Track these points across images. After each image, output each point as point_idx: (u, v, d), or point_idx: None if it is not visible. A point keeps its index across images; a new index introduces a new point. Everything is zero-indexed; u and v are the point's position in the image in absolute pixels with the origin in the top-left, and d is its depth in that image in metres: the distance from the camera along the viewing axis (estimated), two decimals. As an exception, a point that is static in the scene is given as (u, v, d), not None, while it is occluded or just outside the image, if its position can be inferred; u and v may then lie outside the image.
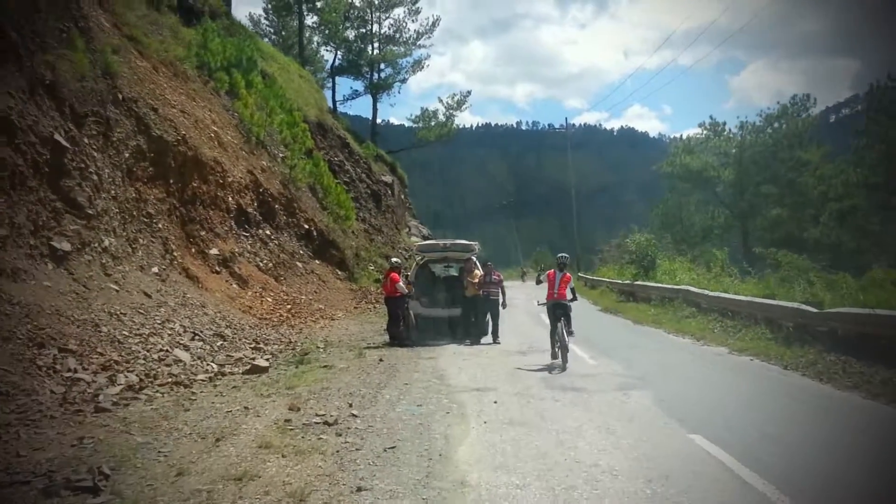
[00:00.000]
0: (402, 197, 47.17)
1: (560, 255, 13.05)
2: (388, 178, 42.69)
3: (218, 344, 12.13)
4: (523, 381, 10.02)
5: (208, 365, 10.75)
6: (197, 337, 11.98)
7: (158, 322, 11.73)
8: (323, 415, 7.40)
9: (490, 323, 15.46)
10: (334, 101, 51.69)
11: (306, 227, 24.41)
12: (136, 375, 9.41)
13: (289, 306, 18.36)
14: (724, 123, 44.26)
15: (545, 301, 12.43)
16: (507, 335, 15.82)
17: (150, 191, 15.82)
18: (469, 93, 54.23)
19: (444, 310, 16.34)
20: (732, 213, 43.63)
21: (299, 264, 22.68)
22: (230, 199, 19.66)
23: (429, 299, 16.56)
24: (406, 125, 59.53)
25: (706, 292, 18.21)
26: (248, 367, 10.54)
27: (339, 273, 25.65)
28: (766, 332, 13.53)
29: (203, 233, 17.76)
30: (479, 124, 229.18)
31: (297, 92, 33.83)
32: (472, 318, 15.47)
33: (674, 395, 8.87)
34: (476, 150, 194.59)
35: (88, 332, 10.05)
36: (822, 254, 32.10)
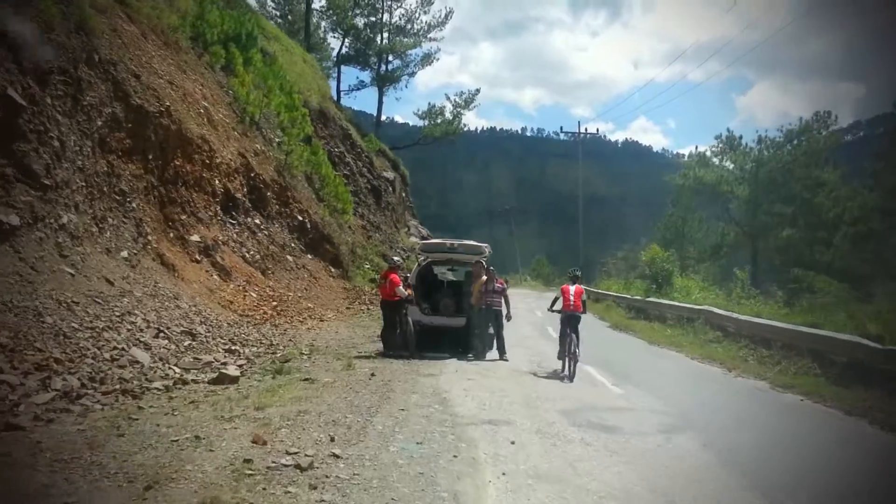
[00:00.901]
0: (404, 195, 45.51)
1: (572, 269, 14.07)
2: (389, 175, 41.02)
3: (186, 343, 10.44)
4: (542, 414, 8.37)
5: (170, 369, 9.08)
6: (162, 334, 10.28)
7: (117, 314, 10.04)
8: (295, 453, 5.71)
9: (494, 337, 13.77)
10: (338, 91, 50.01)
11: (300, 218, 22.70)
12: (79, 379, 7.78)
13: (274, 303, 16.65)
14: (741, 137, 42.55)
15: (559, 310, 12.69)
16: (513, 350, 14.19)
17: (125, 165, 14.14)
18: (478, 91, 52.99)
19: (448, 319, 14.52)
20: (743, 230, 41.89)
21: (290, 258, 20.98)
22: (217, 181, 17.95)
23: (430, 306, 14.86)
24: (411, 123, 58.08)
25: (734, 315, 16.53)
26: (216, 374, 8.88)
27: (333, 270, 23.94)
28: (812, 366, 11.89)
29: (184, 217, 16.06)
30: (484, 128, 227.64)
31: (299, 76, 32.14)
32: (476, 331, 13.76)
33: (730, 443, 7.27)
34: (479, 153, 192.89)
35: (28, 322, 8.44)
36: (833, 278, 30.60)
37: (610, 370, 12.35)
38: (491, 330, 13.71)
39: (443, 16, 50.83)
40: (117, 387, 7.70)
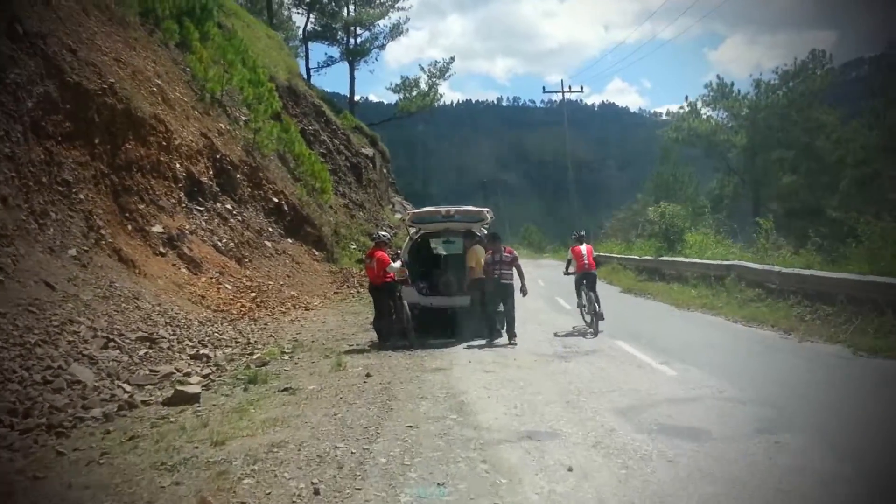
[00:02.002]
0: (385, 171, 43.64)
1: (576, 231, 14.86)
2: (368, 151, 39.10)
3: (141, 353, 8.65)
4: (592, 415, 6.46)
5: (118, 388, 7.34)
6: (112, 343, 8.54)
7: (56, 324, 8.32)
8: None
9: (504, 315, 11.77)
10: (308, 70, 48.03)
11: (275, 200, 20.89)
12: (-7, 412, 6.10)
13: (253, 294, 14.93)
14: (732, 84, 40.64)
15: (574, 272, 13.27)
16: (525, 327, 12.52)
17: (66, 152, 12.34)
18: (452, 59, 50.57)
19: (449, 298, 12.58)
20: (743, 180, 40.27)
21: (268, 244, 19.23)
22: (178, 165, 16.12)
23: (428, 285, 13.09)
24: (385, 102, 56.05)
25: (777, 269, 14.40)
26: (173, 392, 7.16)
27: (316, 253, 22.18)
28: (896, 322, 9.95)
29: (142, 206, 14.26)
30: (460, 101, 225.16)
31: (263, 52, 30.12)
32: (486, 308, 11.85)
33: (865, 441, 5.49)
34: (457, 127, 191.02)
35: (-67, 343, 6.75)
36: (841, 225, 29.18)
37: (647, 344, 10.59)
38: (500, 308, 11.80)
39: (409, -18, 48.57)
40: (43, 420, 5.99)
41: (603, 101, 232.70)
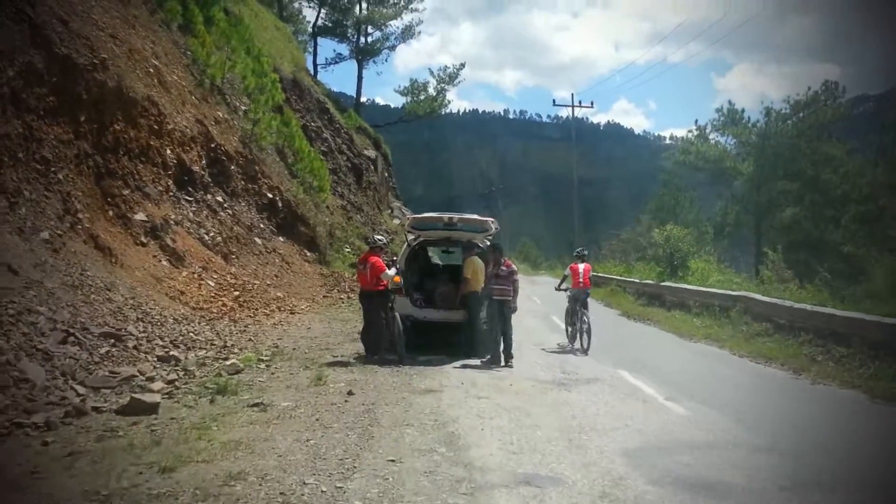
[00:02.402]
0: (386, 175, 42.86)
1: (579, 249, 14.65)
2: (371, 153, 38.38)
3: (103, 351, 7.82)
4: (597, 458, 5.69)
5: (70, 389, 6.55)
6: (73, 338, 7.72)
7: (12, 313, 7.53)
8: None
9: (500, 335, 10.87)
10: (315, 65, 47.32)
11: (270, 195, 20.08)
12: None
13: (236, 293, 14.11)
14: (743, 111, 39.93)
15: (568, 288, 13.62)
16: (524, 351, 11.81)
17: (48, 128, 11.58)
18: (462, 66, 49.73)
19: (445, 312, 11.76)
20: (746, 209, 39.50)
21: (258, 241, 18.42)
22: (169, 151, 15.35)
23: (424, 296, 12.24)
24: (392, 105, 55.39)
25: (788, 304, 13.58)
26: (128, 400, 6.35)
27: (308, 254, 21.37)
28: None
29: (126, 192, 13.47)
30: (466, 110, 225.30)
31: (270, 42, 29.39)
32: (483, 326, 11.10)
33: None
34: (462, 135, 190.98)
35: None
36: (841, 260, 28.58)
37: (651, 376, 9.91)
38: (487, 324, 11.07)
39: (424, -16, 47.97)
40: (-27, 423, 5.26)
41: (609, 121, 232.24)
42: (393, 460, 5.31)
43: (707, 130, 41.30)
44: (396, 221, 34.67)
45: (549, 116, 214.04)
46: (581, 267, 13.33)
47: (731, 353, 12.87)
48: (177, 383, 7.57)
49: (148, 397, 6.45)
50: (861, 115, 42.03)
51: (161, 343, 9.02)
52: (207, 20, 21.04)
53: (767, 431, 6.88)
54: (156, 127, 14.86)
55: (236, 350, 9.92)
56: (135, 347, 8.35)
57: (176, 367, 8.18)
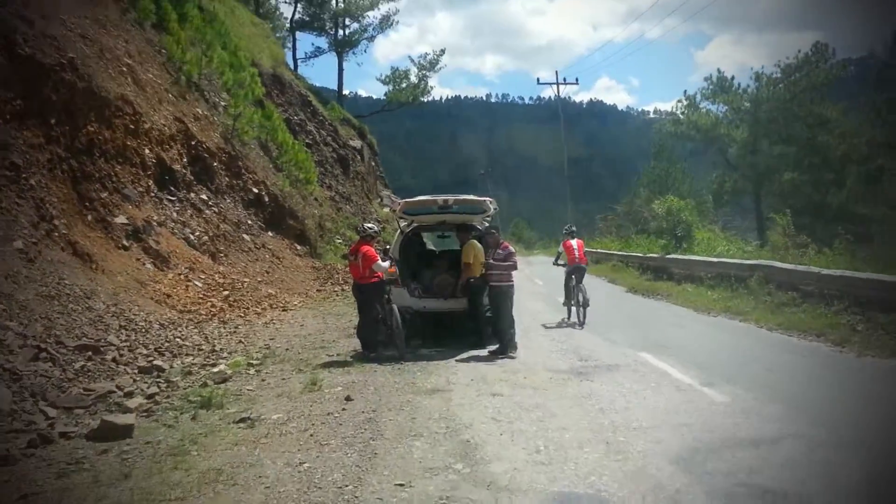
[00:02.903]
0: (373, 164, 42.36)
1: (567, 226, 14.63)
2: (356, 143, 37.85)
3: (78, 365, 7.31)
4: (645, 466, 4.89)
5: (38, 412, 6.00)
6: (44, 354, 7.23)
7: (-25, 332, 7.06)
8: None
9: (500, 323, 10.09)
10: (295, 60, 46.83)
11: (255, 190, 19.59)
12: None
13: (226, 293, 13.64)
14: (733, 78, 39.41)
15: (565, 264, 13.70)
16: (532, 336, 11.25)
17: (16, 132, 11.08)
18: (443, 52, 49.59)
19: (445, 301, 10.98)
20: (744, 176, 38.99)
21: (246, 237, 17.95)
22: (147, 151, 14.84)
23: (421, 286, 11.47)
24: (375, 97, 54.74)
25: (815, 270, 12.78)
26: (99, 423, 5.77)
27: (299, 248, 20.92)
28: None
29: (105, 194, 12.97)
30: (449, 97, 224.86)
31: (248, 39, 28.79)
32: (475, 314, 10.53)
33: None
34: (446, 123, 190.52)
35: None
36: (848, 223, 28.24)
37: (678, 358, 8.96)
38: (490, 313, 10.34)
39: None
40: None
41: (591, 99, 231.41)
42: (401, 484, 4.63)
43: (697, 100, 40.77)
44: (387, 209, 34.18)
45: (531, 98, 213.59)
46: (574, 242, 13.59)
47: (758, 327, 11.96)
48: (158, 397, 6.97)
49: (121, 419, 5.86)
50: (846, 78, 41.42)
51: (145, 352, 8.52)
52: (181, 17, 20.51)
53: (828, 418, 6.04)
54: (132, 126, 14.35)
55: (225, 354, 9.35)
56: (114, 360, 7.78)
57: (158, 379, 7.60)
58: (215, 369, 8.22)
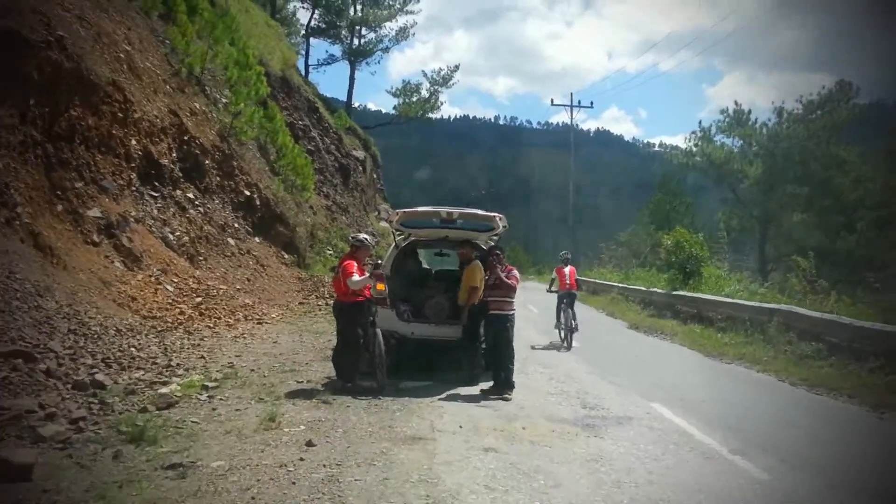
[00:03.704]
0: (375, 177, 41.71)
1: (563, 253, 15.68)
2: (360, 154, 37.21)
3: (0, 375, 6.44)
4: None
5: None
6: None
7: None
8: None
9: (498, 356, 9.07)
10: (307, 66, 46.51)
11: (247, 193, 18.76)
12: None
13: (198, 299, 12.79)
14: (749, 112, 38.54)
15: (557, 290, 14.53)
16: (530, 373, 10.42)
17: (-14, 111, 10.33)
18: (457, 67, 48.83)
19: (436, 327, 9.86)
20: (752, 214, 37.92)
21: (231, 241, 17.13)
22: (134, 142, 14.07)
23: (412, 308, 10.30)
24: (384, 111, 54.32)
25: (847, 320, 11.57)
26: None
27: (286, 256, 20.10)
28: None
29: (80, 184, 12.16)
30: (458, 115, 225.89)
31: (259, 38, 28.18)
32: (472, 345, 9.51)
33: None
34: (452, 141, 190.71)
35: None
36: (857, 269, 27.55)
37: (696, 414, 7.98)
38: (486, 344, 9.39)
39: (420, -13, 46.94)
40: None
41: (599, 128, 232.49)
42: None
43: (712, 132, 39.91)
44: (384, 223, 33.40)
45: (539, 123, 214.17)
46: (567, 270, 14.54)
47: (779, 380, 10.84)
48: (84, 423, 5.86)
49: (21, 455, 4.72)
50: (864, 120, 40.78)
51: (90, 362, 7.61)
52: (191, 9, 19.86)
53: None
54: (120, 115, 13.60)
55: (181, 371, 8.37)
56: (47, 370, 6.81)
57: (93, 399, 6.59)
58: (164, 389, 7.24)
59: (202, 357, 9.56)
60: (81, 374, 7.14)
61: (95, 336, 8.70)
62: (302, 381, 8.81)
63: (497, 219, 10.03)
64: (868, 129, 38.36)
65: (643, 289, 23.41)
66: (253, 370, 9.21)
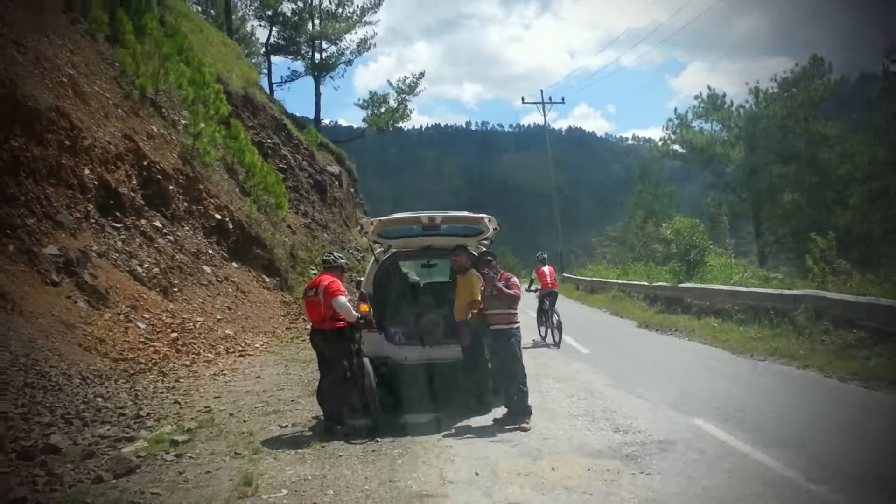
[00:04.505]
0: (353, 191, 40.64)
1: (539, 254, 15.98)
2: (334, 169, 36.12)
3: None
4: None
5: None
6: None
7: None
8: None
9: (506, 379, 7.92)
10: (270, 84, 45.55)
11: (218, 216, 17.59)
12: None
13: (174, 335, 11.63)
14: (724, 95, 38.02)
15: (538, 290, 15.04)
16: (545, 390, 9.24)
17: (-87, 146, 9.19)
18: (422, 74, 48.27)
19: (432, 349, 8.57)
20: (741, 197, 37.30)
21: (206, 268, 15.97)
22: (87, 171, 12.92)
23: (402, 329, 9.07)
24: (354, 126, 53.50)
25: (886, 302, 10.32)
26: None
27: (267, 280, 18.94)
28: None
29: (31, 220, 11.02)
30: (429, 125, 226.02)
31: (217, 57, 27.09)
32: (476, 368, 8.29)
33: None
34: (426, 150, 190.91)
35: None
36: (854, 244, 26.99)
37: (748, 430, 6.68)
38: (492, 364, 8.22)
39: (375, -1, 46.07)
40: None
41: (570, 126, 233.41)
42: None
43: (689, 118, 39.13)
44: (365, 239, 32.35)
45: (510, 126, 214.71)
46: (546, 269, 15.06)
47: (825, 376, 9.53)
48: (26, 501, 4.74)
49: None
50: (842, 94, 40.41)
51: (46, 419, 6.47)
52: (139, 30, 18.73)
53: None
54: (68, 143, 12.47)
55: (150, 422, 7.24)
56: None
57: (41, 469, 5.42)
58: (128, 448, 6.08)
59: (176, 402, 8.35)
60: (34, 436, 6.00)
61: (56, 388, 7.57)
62: (286, 426, 7.67)
63: (486, 220, 8.89)
64: (841, 105, 37.98)
65: (646, 284, 22.26)
66: (232, 414, 8.04)
